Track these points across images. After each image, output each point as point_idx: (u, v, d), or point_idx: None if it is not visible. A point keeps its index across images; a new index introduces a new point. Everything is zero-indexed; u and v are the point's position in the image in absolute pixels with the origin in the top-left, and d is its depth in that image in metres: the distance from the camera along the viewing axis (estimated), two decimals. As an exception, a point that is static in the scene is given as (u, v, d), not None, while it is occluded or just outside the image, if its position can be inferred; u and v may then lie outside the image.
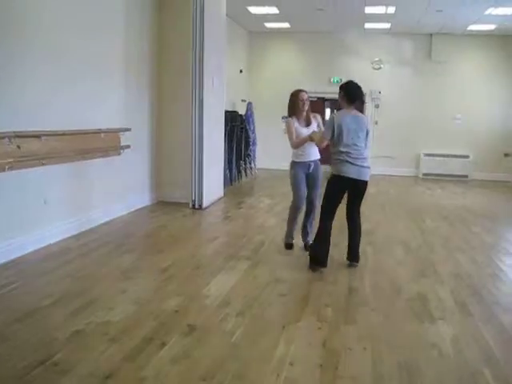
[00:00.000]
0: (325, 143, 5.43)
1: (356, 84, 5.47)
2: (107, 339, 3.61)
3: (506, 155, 14.12)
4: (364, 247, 6.30)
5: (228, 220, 8.04)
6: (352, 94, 5.41)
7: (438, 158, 14.36)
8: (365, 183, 5.41)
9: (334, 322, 4.12)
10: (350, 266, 5.60)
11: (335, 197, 5.40)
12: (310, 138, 5.67)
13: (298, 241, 6.32)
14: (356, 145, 5.30)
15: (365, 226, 7.49)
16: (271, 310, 4.35)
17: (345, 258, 5.66)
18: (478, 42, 14.02)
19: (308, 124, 5.97)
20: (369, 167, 5.41)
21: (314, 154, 5.96)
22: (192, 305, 4.36)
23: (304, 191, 5.98)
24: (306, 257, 5.68)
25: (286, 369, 3.30)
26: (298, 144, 5.86)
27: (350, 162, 5.24)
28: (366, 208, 9.05)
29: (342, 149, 5.25)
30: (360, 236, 5.68)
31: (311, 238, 5.94)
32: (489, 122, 14.21)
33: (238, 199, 9.77)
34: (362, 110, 5.61)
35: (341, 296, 4.74)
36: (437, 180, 13.86)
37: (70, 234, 6.39)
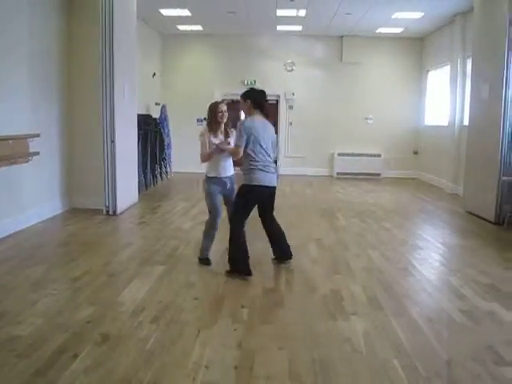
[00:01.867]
0: (241, 152, 5.25)
1: (260, 90, 5.48)
2: (15, 355, 3.46)
3: (415, 153, 14.67)
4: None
5: (143, 225, 7.93)
6: (258, 102, 5.37)
7: (350, 158, 14.72)
8: (275, 189, 5.48)
9: (250, 322, 4.14)
10: (285, 263, 5.74)
11: (249, 206, 5.40)
12: (220, 150, 5.43)
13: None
14: (267, 152, 5.31)
15: (280, 225, 7.59)
16: (186, 314, 4.32)
17: (272, 258, 5.81)
18: (387, 44, 14.51)
19: (226, 137, 5.61)
20: (277, 173, 5.48)
21: (229, 168, 5.65)
22: (105, 313, 4.26)
23: (221, 209, 5.64)
24: (221, 258, 5.68)
25: (201, 372, 3.29)
26: (206, 157, 5.53)
27: (262, 170, 5.25)
28: (280, 208, 9.18)
29: (254, 156, 5.24)
30: (285, 237, 5.75)
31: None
32: (399, 121, 14.72)
33: (153, 204, 9.65)
34: (267, 115, 5.48)
35: (256, 297, 4.76)
36: (350, 179, 14.20)
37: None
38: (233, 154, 5.39)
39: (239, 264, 5.31)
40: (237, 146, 5.27)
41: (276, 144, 5.52)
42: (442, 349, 3.68)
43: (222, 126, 5.64)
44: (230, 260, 5.39)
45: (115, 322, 4.09)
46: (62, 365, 3.34)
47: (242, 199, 5.37)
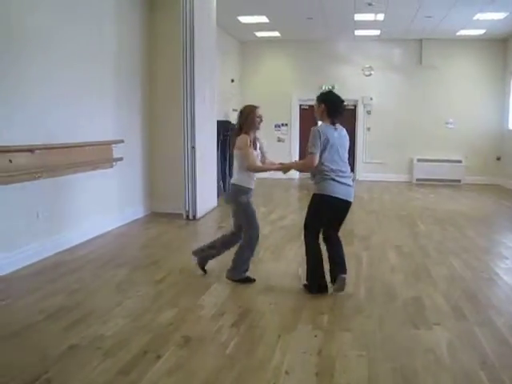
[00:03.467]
0: (315, 161, 4.74)
1: (338, 96, 5.02)
2: (101, 353, 3.58)
3: (498, 159, 14.18)
4: (359, 253, 6.34)
5: (222, 230, 7.98)
6: (334, 108, 4.93)
7: (430, 163, 14.40)
8: (350, 204, 4.97)
9: (330, 329, 4.11)
10: (339, 282, 4.89)
11: (322, 216, 4.95)
12: (284, 171, 5.28)
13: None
14: (343, 161, 4.88)
15: (359, 231, 7.52)
16: (266, 319, 4.34)
17: (331, 281, 5.07)
18: (467, 46, 14.13)
19: (255, 146, 5.18)
20: (353, 186, 5.00)
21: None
22: (187, 316, 4.34)
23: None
24: (301, 264, 5.66)
25: (282, 378, 3.29)
26: (260, 169, 5.25)
27: (337, 181, 4.78)
28: (358, 214, 9.10)
29: (328, 166, 4.77)
30: (343, 250, 5.15)
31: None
32: (480, 125, 14.28)
33: (231, 209, 9.72)
34: (340, 122, 5.00)
35: (336, 303, 4.72)
36: (430, 185, 13.88)
37: (63, 248, 6.36)
38: (307, 164, 4.93)
39: (309, 280, 5.02)
40: (311, 153, 4.76)
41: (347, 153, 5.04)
42: (530, 362, 3.55)
43: (255, 132, 5.21)
44: (312, 277, 5.02)
45: (196, 325, 4.16)
46: (145, 365, 3.43)
47: (314, 207, 4.96)
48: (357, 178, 14.66)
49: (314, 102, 5.13)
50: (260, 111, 5.14)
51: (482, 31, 12.97)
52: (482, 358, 3.58)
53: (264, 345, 3.79)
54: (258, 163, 5.16)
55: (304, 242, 5.09)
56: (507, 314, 4.52)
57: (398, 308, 4.63)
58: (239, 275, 5.31)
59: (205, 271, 5.56)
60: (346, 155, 4.96)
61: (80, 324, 4.12)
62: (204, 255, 5.55)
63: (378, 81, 14.67)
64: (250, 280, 5.31)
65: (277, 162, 5.41)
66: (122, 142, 7.64)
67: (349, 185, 4.88)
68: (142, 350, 3.64)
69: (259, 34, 13.84)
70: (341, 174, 4.83)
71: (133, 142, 8.34)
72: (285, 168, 5.32)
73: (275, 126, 13.94)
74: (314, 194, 4.93)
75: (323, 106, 4.92)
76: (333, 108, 4.92)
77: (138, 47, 8.44)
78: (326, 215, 4.95)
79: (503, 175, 13.94)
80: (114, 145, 7.49)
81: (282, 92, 14.49)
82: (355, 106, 14.84)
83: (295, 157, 13.75)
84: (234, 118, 13.07)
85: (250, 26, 12.86)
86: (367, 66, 14.71)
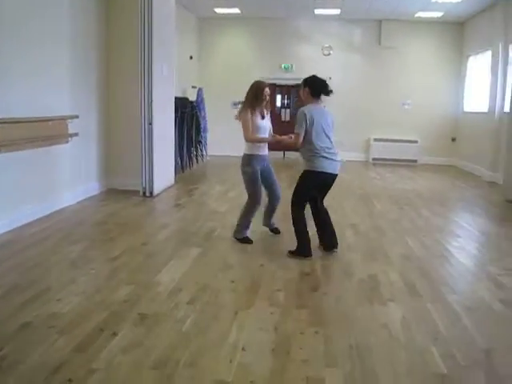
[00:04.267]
0: (300, 140, 5.29)
1: (320, 79, 5.44)
2: (56, 331, 3.53)
3: (453, 140, 14.44)
4: (315, 232, 6.35)
5: (179, 207, 7.98)
6: (316, 90, 5.37)
7: (387, 143, 14.56)
8: (335, 177, 5.45)
9: (286, 306, 4.14)
10: (330, 252, 5.63)
11: (309, 192, 5.46)
12: (278, 141, 5.79)
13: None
14: (328, 139, 5.34)
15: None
16: (223, 296, 4.34)
17: (318, 246, 5.72)
18: (426, 28, 14.25)
19: (263, 116, 5.82)
20: (340, 161, 5.48)
21: (266, 147, 5.93)
22: (143, 293, 4.31)
23: (261, 193, 5.90)
24: (257, 242, 5.70)
25: (238, 354, 3.30)
26: (256, 140, 5.73)
27: (326, 157, 5.25)
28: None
29: (316, 144, 5.24)
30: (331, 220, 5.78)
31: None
32: (437, 107, 14.48)
33: (189, 186, 9.71)
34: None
35: (292, 281, 4.77)
36: (386, 165, 14.07)
37: (17, 224, 6.23)
38: (293, 144, 5.46)
39: (300, 246, 5.43)
40: (296, 134, 5.30)
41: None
42: (481, 338, 3.63)
43: (263, 106, 5.80)
44: (300, 245, 5.46)
45: (153, 302, 4.13)
46: (100, 343, 3.39)
47: (304, 184, 5.43)
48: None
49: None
50: (268, 90, 5.80)
51: (439, 14, 13.10)
52: (435, 334, 3.66)
53: (221, 322, 3.80)
54: (257, 135, 5.72)
55: (292, 217, 5.50)
56: (459, 291, 4.64)
57: (354, 285, 4.69)
58: (240, 235, 5.92)
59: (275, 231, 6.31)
60: (332, 133, 5.44)
61: (34, 302, 4.04)
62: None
63: (337, 60, 14.69)
64: (248, 241, 5.89)
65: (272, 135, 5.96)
66: (77, 117, 7.49)
67: (335, 160, 5.36)
68: (97, 328, 3.60)
69: (219, 10, 13.67)
70: (327, 150, 5.29)
71: (89, 117, 8.19)
72: (277, 140, 5.84)
73: (233, 104, 13.84)
74: (305, 171, 5.40)
75: (307, 89, 5.41)
76: (314, 90, 5.38)
77: (94, 22, 8.24)
78: (315, 189, 5.47)
79: (458, 156, 14.20)
80: (69, 120, 7.33)
81: (241, 70, 14.38)
82: (314, 85, 14.82)
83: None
84: (192, 95, 13.06)
85: (209, 2, 12.69)
86: (326, 45, 14.72)
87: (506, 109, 10.31)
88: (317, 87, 5.39)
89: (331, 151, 5.32)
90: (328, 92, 5.41)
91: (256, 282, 4.68)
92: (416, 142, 14.50)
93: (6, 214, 6.06)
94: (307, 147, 5.30)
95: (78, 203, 7.76)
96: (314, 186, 5.45)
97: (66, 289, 4.37)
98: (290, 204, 5.51)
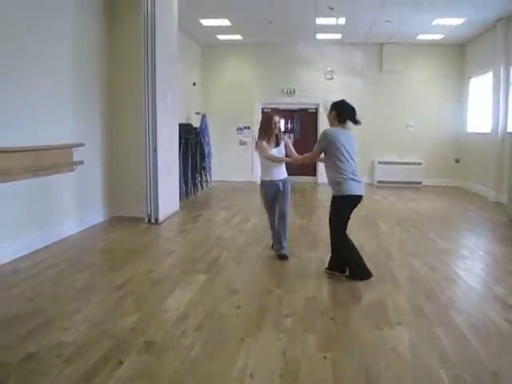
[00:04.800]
0: (315, 158, 5.65)
1: (349, 104, 5.57)
2: (62, 361, 3.50)
3: (457, 161, 14.45)
4: (321, 255, 6.35)
5: (184, 233, 7.97)
6: (343, 115, 5.48)
7: (391, 166, 14.57)
8: (361, 198, 5.54)
9: (294, 331, 4.11)
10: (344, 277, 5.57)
11: (346, 216, 5.49)
12: (294, 161, 6.31)
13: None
14: (354, 161, 5.44)
15: (322, 234, 7.56)
16: (230, 322, 4.32)
17: (325, 269, 5.70)
18: (427, 51, 14.35)
19: (277, 145, 6.26)
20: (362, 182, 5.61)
21: (282, 173, 6.32)
22: (149, 321, 4.29)
23: (275, 209, 6.35)
24: (264, 267, 5.67)
25: (246, 381, 3.27)
26: (271, 158, 6.14)
27: (354, 180, 5.37)
28: (321, 217, 9.15)
29: (344, 167, 5.34)
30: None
31: (286, 243, 6.37)
32: (440, 129, 14.51)
33: (194, 212, 9.71)
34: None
35: (300, 305, 4.73)
36: (391, 187, 14.05)
37: (22, 253, 6.21)
38: (309, 160, 6.00)
39: (358, 270, 5.44)
40: (314, 151, 5.57)
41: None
42: (489, 359, 3.60)
43: (274, 135, 6.24)
44: (353, 271, 5.48)
45: (159, 330, 4.11)
46: (107, 372, 3.37)
47: (337, 209, 5.48)
48: (319, 180, 14.76)
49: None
50: (277, 118, 6.27)
51: (440, 36, 13.21)
52: (443, 357, 3.62)
53: (228, 348, 3.77)
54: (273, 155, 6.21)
55: (338, 247, 5.54)
56: (466, 313, 4.59)
57: (362, 309, 4.67)
58: (275, 251, 6.39)
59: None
60: (355, 156, 5.52)
61: (39, 331, 4.02)
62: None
63: (339, 84, 14.75)
64: (281, 257, 6.24)
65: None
66: (83, 145, 7.53)
67: (360, 181, 5.50)
68: (103, 357, 3.58)
69: (221, 37, 13.81)
70: (354, 173, 5.43)
71: (94, 145, 8.21)
72: (292, 161, 6.30)
73: (237, 129, 13.95)
74: (336, 197, 5.47)
75: (334, 112, 5.53)
76: (341, 115, 5.49)
77: (97, 51, 8.32)
78: (348, 213, 5.49)
79: (462, 177, 14.20)
80: (74, 148, 7.37)
81: (244, 95, 14.49)
82: (317, 110, 14.93)
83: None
84: (196, 122, 13.13)
85: (212, 29, 12.83)
86: (329, 69, 14.82)
87: (509, 129, 10.33)
88: (344, 112, 5.51)
89: (355, 173, 5.43)
90: (355, 120, 5.52)
91: (263, 308, 4.65)
92: (420, 163, 14.50)
93: (10, 242, 6.05)
94: (333, 170, 5.40)
95: (83, 231, 7.75)
96: (348, 210, 5.47)
97: (72, 317, 4.34)
98: (330, 234, 5.59)
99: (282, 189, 6.26)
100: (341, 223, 5.49)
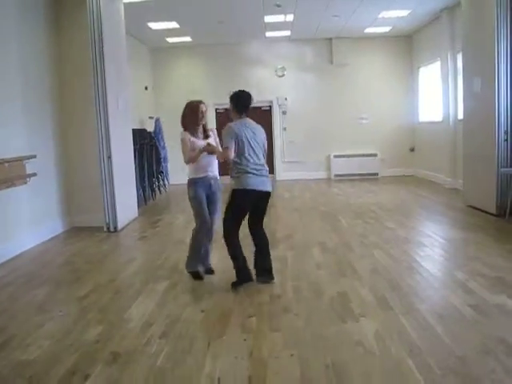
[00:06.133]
0: (231, 154, 4.98)
1: (243, 91, 5.26)
2: (25, 380, 3.43)
3: (412, 150, 14.69)
4: (283, 253, 6.38)
5: (144, 240, 7.90)
6: (239, 104, 5.17)
7: (347, 159, 14.74)
8: (269, 194, 5.23)
9: (259, 331, 4.11)
10: (263, 283, 5.29)
11: (242, 212, 5.19)
12: (208, 150, 5.29)
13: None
14: (257, 155, 5.10)
15: (282, 231, 7.59)
16: (195, 327, 4.30)
17: (255, 276, 5.36)
18: (376, 43, 14.58)
19: (206, 137, 5.50)
20: (268, 177, 5.27)
21: (214, 168, 5.53)
22: (114, 332, 4.23)
23: (207, 214, 5.47)
24: (225, 271, 5.63)
25: (215, 386, 3.26)
26: (192, 158, 5.35)
27: (254, 174, 5.03)
28: (281, 213, 9.18)
29: (244, 160, 5.02)
30: (269, 253, 5.43)
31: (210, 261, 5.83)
32: (393, 119, 14.75)
33: (153, 218, 9.64)
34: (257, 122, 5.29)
35: (263, 305, 4.73)
36: (348, 180, 14.21)
37: (-22, 271, 6.08)
38: (222, 156, 5.12)
39: (242, 272, 5.21)
40: (225, 148, 5.01)
41: (264, 147, 5.27)
42: (455, 345, 3.65)
43: (201, 126, 5.53)
44: (238, 271, 5.22)
45: (124, 340, 4.06)
46: (73, 386, 3.31)
47: (233, 205, 5.13)
48: (276, 177, 14.82)
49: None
50: (203, 107, 5.55)
51: (387, 28, 13.42)
52: (409, 346, 3.66)
53: (194, 353, 3.75)
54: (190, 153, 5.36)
55: (226, 243, 5.22)
56: (429, 301, 4.66)
57: (325, 304, 4.68)
58: (191, 267, 5.60)
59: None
60: (261, 150, 5.19)
61: (0, 351, 3.93)
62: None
63: (291, 81, 14.87)
64: (197, 276, 5.57)
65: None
66: (35, 157, 7.40)
67: (266, 176, 5.16)
68: (69, 372, 3.52)
69: (170, 39, 13.73)
70: (255, 166, 5.06)
71: (46, 155, 8.06)
72: (209, 149, 5.31)
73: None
74: (234, 190, 5.12)
75: (231, 104, 5.22)
76: (238, 104, 5.19)
77: (45, 58, 8.19)
78: (246, 209, 5.17)
79: (418, 166, 14.48)
80: (26, 160, 7.22)
81: (196, 97, 14.23)
82: (270, 107, 14.98)
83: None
84: (149, 126, 13.02)
85: (160, 32, 12.73)
86: (280, 66, 14.88)
87: (460, 116, 10.53)
88: (239, 101, 5.19)
89: (260, 168, 5.10)
90: (249, 104, 5.22)
91: (227, 310, 4.64)
92: (375, 155, 14.69)
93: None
94: (234, 164, 5.08)
95: (41, 244, 7.61)
96: (245, 206, 5.15)
97: (34, 334, 4.25)
98: (223, 228, 5.23)
99: (212, 190, 5.51)
100: (234, 218, 5.16)
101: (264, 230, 5.45)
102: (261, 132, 5.28)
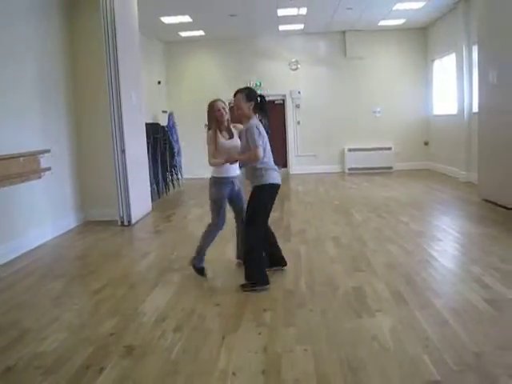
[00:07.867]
0: (261, 153, 4.95)
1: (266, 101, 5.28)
2: (41, 372, 3.45)
3: (426, 144, 14.59)
4: (297, 246, 6.35)
5: (158, 234, 7.92)
6: (259, 108, 5.18)
7: (361, 153, 14.65)
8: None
9: (273, 325, 4.10)
10: (276, 270, 5.42)
11: (271, 206, 5.20)
12: (229, 161, 5.19)
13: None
14: (271, 152, 5.22)
15: (295, 225, 7.57)
16: (209, 321, 4.29)
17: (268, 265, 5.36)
18: (390, 36, 14.44)
19: (231, 136, 5.39)
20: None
21: (236, 166, 5.43)
22: (128, 325, 4.25)
23: (226, 212, 5.44)
24: (238, 265, 5.63)
25: (229, 379, 3.25)
26: (216, 163, 5.27)
27: (274, 169, 5.15)
28: (293, 207, 9.15)
29: (267, 157, 5.10)
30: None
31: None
32: (407, 113, 14.64)
33: (167, 212, 9.65)
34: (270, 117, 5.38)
35: (278, 299, 4.72)
36: (362, 174, 14.13)
37: (-6, 264, 6.12)
38: (254, 158, 4.98)
39: (258, 273, 5.03)
40: (257, 146, 4.92)
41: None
42: (470, 340, 3.62)
43: (225, 124, 5.40)
44: (248, 270, 5.08)
45: (139, 333, 4.07)
46: (88, 379, 3.33)
47: (260, 198, 5.09)
48: (290, 171, 14.82)
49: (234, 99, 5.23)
50: (220, 104, 5.38)
51: (402, 21, 13.31)
52: (425, 341, 3.64)
53: (209, 347, 3.75)
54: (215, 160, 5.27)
55: (250, 241, 5.10)
56: (445, 295, 4.62)
57: (340, 299, 4.66)
58: (199, 263, 5.50)
59: None
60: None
61: (16, 343, 3.95)
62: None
63: (305, 74, 14.81)
64: (201, 273, 5.49)
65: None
66: (49, 151, 7.44)
67: (279, 171, 5.29)
68: (83, 365, 3.53)
69: (183, 33, 13.72)
70: (272, 162, 5.20)
71: (61, 150, 8.10)
72: (232, 159, 5.19)
73: (205, 126, 13.79)
74: (258, 187, 5.09)
75: (253, 103, 5.11)
76: (257, 105, 5.17)
77: (60, 55, 8.22)
78: (272, 203, 5.19)
79: (432, 159, 14.35)
80: (40, 155, 7.26)
81: (209, 91, 14.30)
82: (284, 101, 14.93)
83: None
84: (163, 120, 13.03)
85: (173, 27, 12.72)
86: (293, 60, 14.82)
87: (475, 109, 10.44)
88: (259, 106, 5.19)
89: (274, 163, 5.25)
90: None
91: (241, 304, 4.63)
92: (390, 148, 14.61)
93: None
94: (260, 162, 5.04)
95: (55, 238, 7.66)
96: (272, 200, 5.17)
97: (50, 327, 4.28)
98: (249, 225, 5.12)
99: (236, 189, 5.46)
100: (264, 214, 5.17)
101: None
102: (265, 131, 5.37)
